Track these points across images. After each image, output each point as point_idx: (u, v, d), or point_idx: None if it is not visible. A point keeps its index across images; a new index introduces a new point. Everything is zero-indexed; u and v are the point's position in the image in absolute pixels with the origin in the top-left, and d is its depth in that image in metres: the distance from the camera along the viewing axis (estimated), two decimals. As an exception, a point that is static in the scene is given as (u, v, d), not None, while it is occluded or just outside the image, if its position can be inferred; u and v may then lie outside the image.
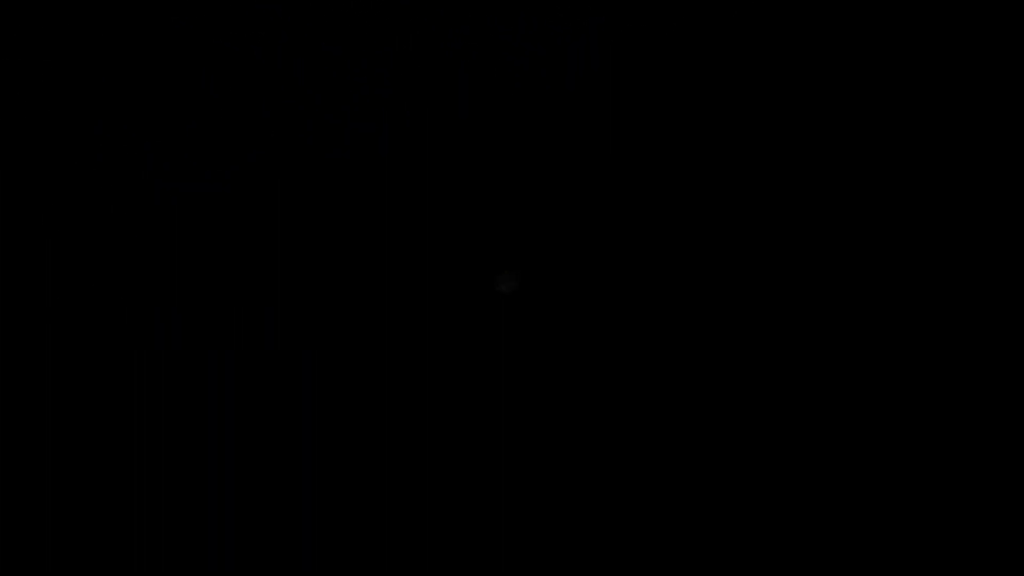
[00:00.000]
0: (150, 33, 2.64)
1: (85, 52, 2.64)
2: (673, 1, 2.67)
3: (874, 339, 2.62)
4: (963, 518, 2.57)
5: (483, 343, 2.61)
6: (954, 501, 2.58)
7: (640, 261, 2.64)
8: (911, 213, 2.64)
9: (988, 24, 2.67)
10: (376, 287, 2.62)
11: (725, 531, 2.59)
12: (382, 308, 2.61)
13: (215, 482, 2.58)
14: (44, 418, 2.57)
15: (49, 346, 2.58)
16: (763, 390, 2.61)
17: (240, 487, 2.58)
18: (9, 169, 2.61)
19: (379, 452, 2.60)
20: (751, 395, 2.61)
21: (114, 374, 2.58)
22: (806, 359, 2.62)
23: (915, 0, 2.67)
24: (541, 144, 2.64)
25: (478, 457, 2.60)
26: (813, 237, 2.64)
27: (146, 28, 2.64)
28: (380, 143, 2.64)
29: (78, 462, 2.57)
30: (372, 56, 2.65)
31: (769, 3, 2.67)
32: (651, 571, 2.58)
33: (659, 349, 2.62)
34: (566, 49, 2.65)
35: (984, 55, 2.66)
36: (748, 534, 2.58)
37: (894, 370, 2.61)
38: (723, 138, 2.66)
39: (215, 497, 2.57)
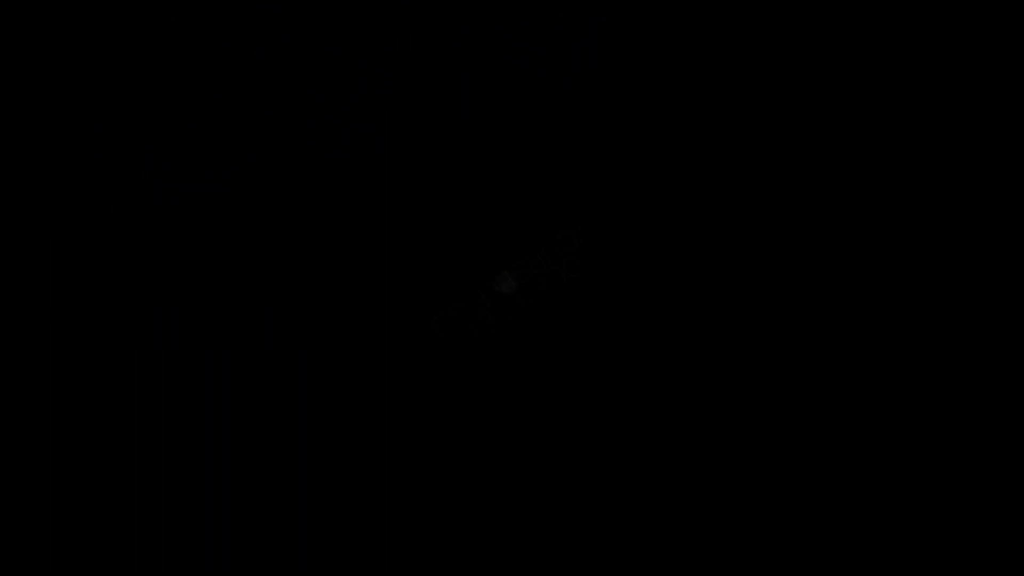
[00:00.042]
0: (150, 33, 2.64)
1: (85, 52, 2.64)
2: (673, 1, 2.67)
3: (874, 339, 2.62)
4: (963, 518, 2.57)
5: (483, 343, 2.61)
6: (954, 501, 2.58)
7: (640, 261, 2.64)
8: (911, 213, 2.64)
9: (988, 24, 2.66)
10: (376, 287, 2.61)
11: (725, 531, 2.58)
12: (382, 308, 2.61)
13: (215, 482, 2.57)
14: (44, 418, 2.57)
15: (49, 346, 2.58)
16: (763, 390, 2.61)
17: (240, 487, 2.58)
18: (9, 169, 2.61)
19: (379, 452, 2.59)
20: (751, 395, 2.61)
21: (114, 374, 2.58)
22: (806, 359, 2.62)
23: (915, 0, 2.66)
24: (541, 144, 2.64)
25: (478, 457, 2.60)
26: (813, 237, 2.64)
27: (146, 28, 2.64)
28: (380, 143, 2.64)
29: (78, 462, 2.57)
30: (372, 56, 2.64)
31: (769, 3, 2.66)
32: (651, 571, 2.58)
33: (659, 349, 2.62)
34: (566, 49, 2.65)
35: (984, 55, 2.66)
36: (748, 534, 2.58)
37: (894, 370, 2.61)
38: (723, 138, 2.65)
39: (215, 497, 2.57)
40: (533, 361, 2.61)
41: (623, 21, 2.66)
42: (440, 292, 2.61)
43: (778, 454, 2.60)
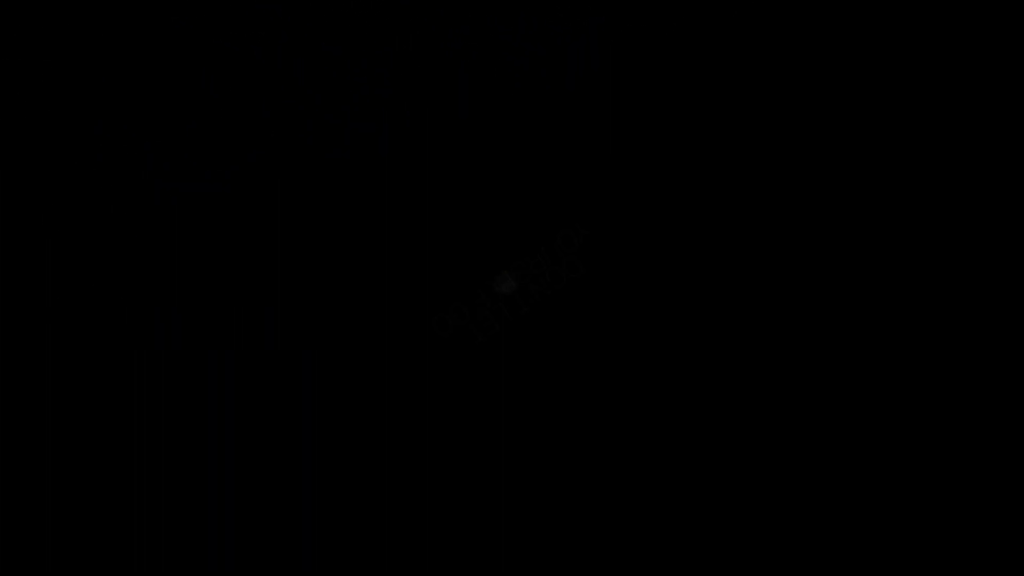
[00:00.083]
0: (150, 33, 2.64)
1: (85, 52, 2.64)
2: (673, 1, 2.66)
3: (874, 339, 2.62)
4: (963, 518, 2.57)
5: (483, 344, 2.61)
6: (954, 501, 2.58)
7: (640, 261, 2.64)
8: (911, 213, 2.64)
9: (988, 24, 2.66)
10: (376, 287, 2.61)
11: (725, 531, 2.59)
12: (382, 308, 2.61)
13: (215, 482, 2.58)
14: (44, 418, 2.57)
15: (49, 346, 2.58)
16: (763, 390, 2.61)
17: (240, 487, 2.58)
18: (9, 169, 2.61)
19: (379, 452, 2.60)
20: (751, 395, 2.61)
21: (114, 374, 2.58)
22: (806, 359, 2.62)
23: (915, 0, 2.66)
24: (541, 144, 2.64)
25: (478, 458, 2.60)
26: (813, 237, 2.63)
27: (146, 28, 2.64)
28: (380, 143, 2.64)
29: (78, 462, 2.57)
30: (372, 56, 2.64)
31: (769, 3, 2.66)
32: (651, 571, 2.58)
33: (659, 349, 2.62)
34: (566, 49, 2.65)
35: (984, 55, 2.66)
36: (748, 534, 2.58)
37: (894, 370, 2.61)
38: (723, 138, 2.65)
39: (215, 497, 2.57)
40: (533, 361, 2.61)
41: (623, 21, 2.66)
42: (440, 292, 2.61)
43: (778, 454, 2.60)
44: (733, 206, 2.64)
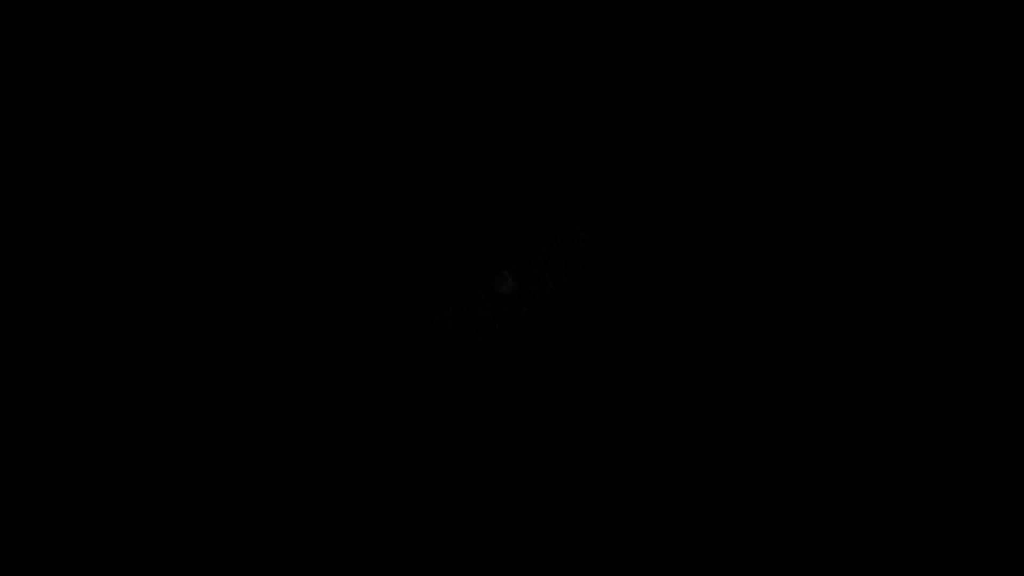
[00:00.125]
0: (150, 33, 2.64)
1: (85, 52, 2.64)
2: (673, 1, 2.66)
3: (874, 339, 2.62)
4: (963, 518, 2.57)
5: (483, 344, 2.61)
6: (954, 501, 2.58)
7: (640, 261, 2.64)
8: (911, 213, 2.64)
9: (988, 24, 2.66)
10: (376, 287, 2.62)
11: (725, 531, 2.59)
12: (382, 308, 2.61)
13: (215, 482, 2.58)
14: (44, 418, 2.57)
15: (49, 346, 2.58)
16: (763, 390, 2.61)
17: (240, 487, 2.58)
18: (9, 169, 2.61)
19: (379, 452, 2.60)
20: (751, 395, 2.61)
21: (114, 374, 2.58)
22: (806, 359, 2.62)
23: (915, 0, 2.66)
24: (541, 144, 2.64)
25: (478, 458, 2.60)
26: (813, 237, 2.63)
27: (146, 28, 2.64)
28: (380, 143, 2.64)
29: (78, 462, 2.57)
30: (372, 56, 2.64)
31: (769, 3, 2.66)
32: (651, 571, 2.58)
33: (659, 349, 2.62)
34: (566, 49, 2.65)
35: (984, 55, 2.66)
36: (748, 534, 2.58)
37: (894, 370, 2.61)
38: (723, 138, 2.65)
39: (215, 497, 2.57)
40: (533, 361, 2.61)
41: (623, 21, 2.66)
42: (440, 292, 2.61)
43: (778, 454, 2.60)
44: (733, 206, 2.64)
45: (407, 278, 2.61)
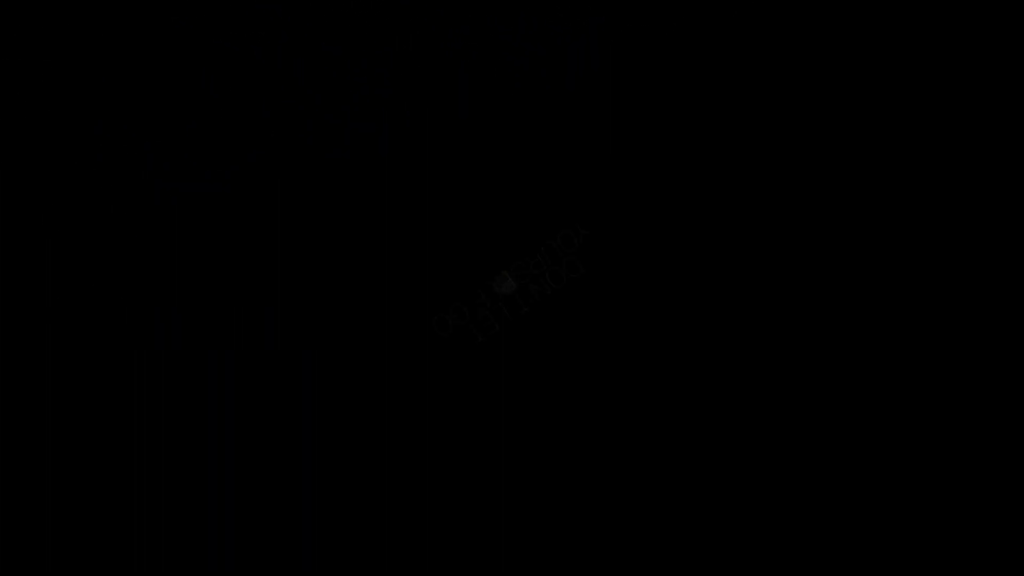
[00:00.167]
0: (150, 33, 2.64)
1: (85, 52, 2.64)
2: (673, 1, 2.66)
3: (874, 339, 2.62)
4: (963, 518, 2.57)
5: (483, 344, 2.61)
6: (954, 501, 2.58)
7: (640, 261, 2.64)
8: (911, 213, 2.64)
9: (988, 24, 2.66)
10: (376, 287, 2.62)
11: (725, 531, 2.59)
12: (382, 309, 2.61)
13: (215, 482, 2.58)
14: (44, 418, 2.57)
15: (49, 346, 2.58)
16: (763, 390, 2.61)
17: (240, 487, 2.58)
18: (9, 169, 2.61)
19: (379, 452, 2.60)
20: (751, 395, 2.61)
21: (114, 374, 2.58)
22: (806, 359, 2.62)
23: (915, 0, 2.66)
24: (541, 144, 2.64)
25: (478, 458, 2.60)
26: (813, 237, 2.63)
27: (146, 28, 2.64)
28: (380, 143, 2.64)
29: (78, 462, 2.57)
30: (372, 56, 2.64)
31: (769, 3, 2.66)
32: (651, 571, 2.58)
33: (659, 349, 2.62)
34: (566, 49, 2.65)
35: (984, 55, 2.66)
36: (748, 534, 2.58)
37: (894, 370, 2.61)
38: (723, 138, 2.65)
39: (215, 497, 2.57)
40: (533, 361, 2.61)
41: (623, 21, 2.66)
42: (440, 293, 2.61)
43: (777, 454, 2.60)
44: (733, 206, 2.64)
45: (407, 278, 2.61)
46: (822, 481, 2.58)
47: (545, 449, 2.60)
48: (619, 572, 2.57)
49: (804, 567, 2.57)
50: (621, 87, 2.66)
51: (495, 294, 2.61)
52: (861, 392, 2.60)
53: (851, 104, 2.65)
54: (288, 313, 2.60)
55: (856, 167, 2.64)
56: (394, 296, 2.61)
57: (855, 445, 2.59)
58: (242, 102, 2.63)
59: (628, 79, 2.66)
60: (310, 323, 2.60)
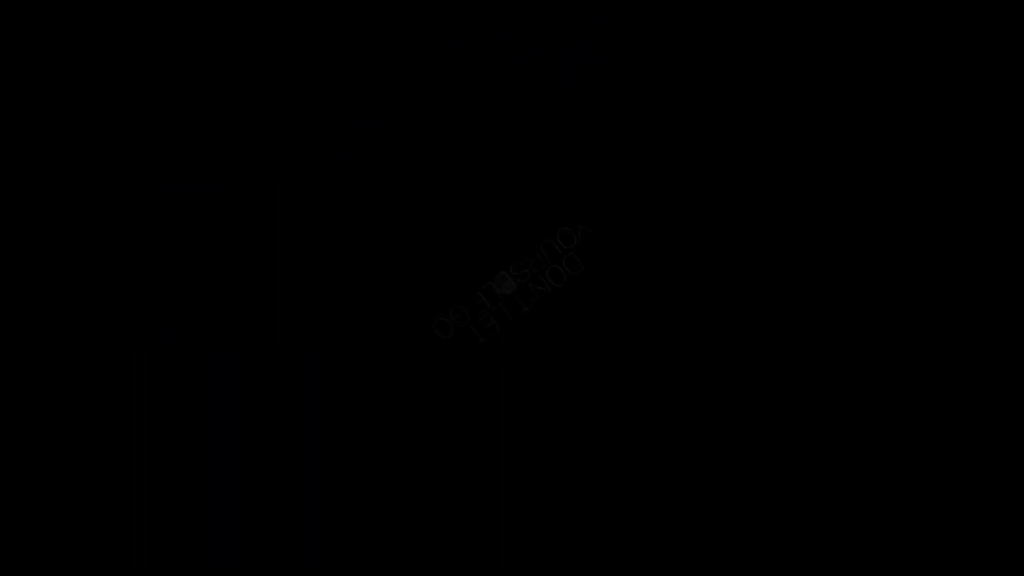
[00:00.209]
0: (150, 33, 2.64)
1: (85, 52, 2.64)
2: (673, 1, 2.66)
3: (873, 340, 2.62)
4: (963, 518, 2.57)
5: (483, 344, 2.61)
6: (954, 501, 2.58)
7: (640, 261, 2.64)
8: (911, 213, 2.64)
9: (988, 24, 2.66)
10: (376, 288, 2.62)
11: (724, 531, 2.59)
12: (382, 309, 2.61)
13: (215, 482, 2.58)
14: (44, 418, 2.58)
15: (49, 346, 2.58)
16: (763, 390, 2.61)
17: (240, 487, 2.58)
18: (9, 169, 2.61)
19: (379, 453, 2.60)
20: (751, 395, 2.61)
21: (114, 374, 2.58)
22: (806, 359, 2.62)
23: (915, 0, 2.66)
24: (541, 144, 2.64)
25: (478, 458, 2.60)
26: (813, 237, 2.63)
27: (146, 28, 2.64)
28: (380, 143, 2.64)
29: (78, 462, 2.57)
30: (372, 56, 2.64)
31: (769, 3, 2.66)
32: (651, 571, 2.58)
33: (659, 349, 2.62)
34: (566, 49, 2.65)
35: (984, 55, 2.66)
36: (748, 534, 2.58)
37: (894, 370, 2.61)
38: (723, 138, 2.65)
39: (215, 497, 2.58)
40: (533, 361, 2.61)
41: (623, 21, 2.66)
42: (440, 293, 2.61)
43: (777, 453, 2.60)
44: (733, 205, 2.64)
45: (407, 278, 2.62)
46: (822, 481, 2.59)
47: (545, 449, 2.60)
48: (619, 572, 2.58)
49: (804, 567, 2.57)
50: (621, 87, 2.66)
51: (495, 294, 2.61)
52: (861, 392, 2.60)
53: (851, 104, 2.65)
54: (288, 313, 2.60)
55: (856, 167, 2.64)
56: (394, 296, 2.61)
57: (855, 445, 2.59)
58: (242, 102, 2.63)
59: (628, 79, 2.66)
60: (310, 323, 2.60)
